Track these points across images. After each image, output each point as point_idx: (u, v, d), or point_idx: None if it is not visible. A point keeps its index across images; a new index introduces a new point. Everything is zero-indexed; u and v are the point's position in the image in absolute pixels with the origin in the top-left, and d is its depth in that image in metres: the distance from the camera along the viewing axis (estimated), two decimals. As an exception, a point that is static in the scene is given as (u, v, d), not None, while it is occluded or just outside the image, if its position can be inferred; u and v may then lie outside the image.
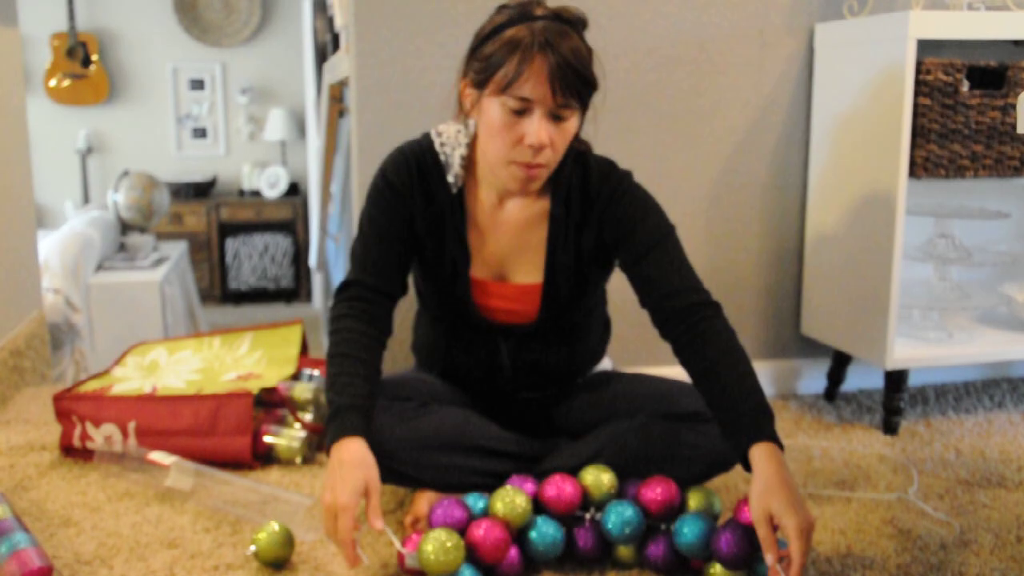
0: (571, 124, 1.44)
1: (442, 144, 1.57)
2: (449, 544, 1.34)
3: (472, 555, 1.38)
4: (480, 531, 1.38)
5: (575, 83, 1.38)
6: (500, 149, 1.44)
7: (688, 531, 1.39)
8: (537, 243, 1.59)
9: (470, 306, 1.63)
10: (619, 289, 2.24)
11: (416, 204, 1.57)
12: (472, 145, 1.57)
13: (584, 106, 1.45)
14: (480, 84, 1.44)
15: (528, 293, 1.62)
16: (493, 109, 1.42)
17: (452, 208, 1.57)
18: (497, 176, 1.50)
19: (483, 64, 1.42)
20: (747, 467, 1.35)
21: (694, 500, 1.50)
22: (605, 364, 1.86)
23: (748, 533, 1.34)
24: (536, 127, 1.40)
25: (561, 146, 1.45)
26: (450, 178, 1.56)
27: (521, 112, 1.40)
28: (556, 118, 1.41)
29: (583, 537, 1.46)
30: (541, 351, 1.68)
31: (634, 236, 1.53)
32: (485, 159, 1.51)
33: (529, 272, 1.61)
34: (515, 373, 1.69)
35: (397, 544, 1.39)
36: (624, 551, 1.47)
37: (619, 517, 1.43)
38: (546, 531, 1.43)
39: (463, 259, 1.60)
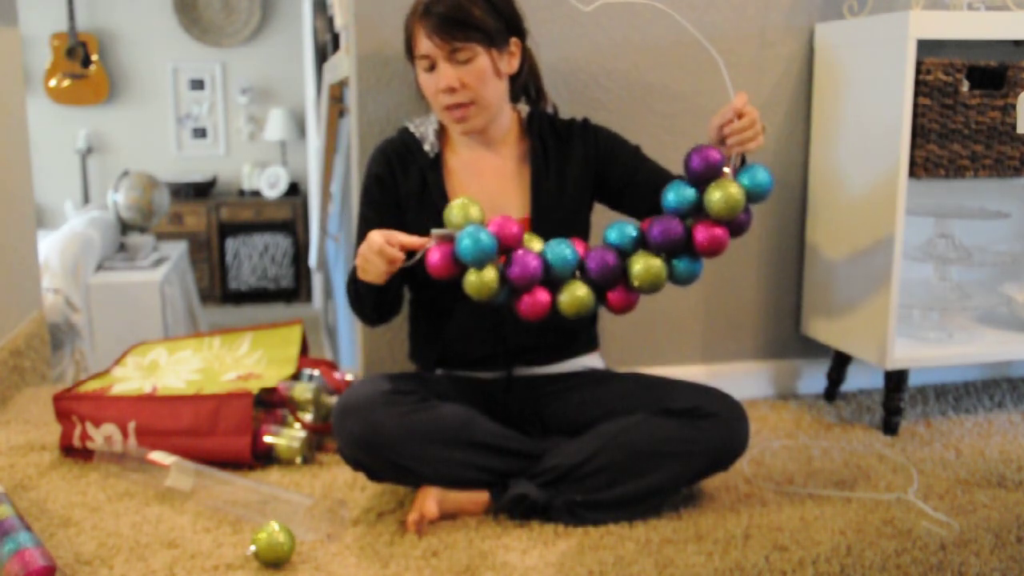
0: (480, 63, 1.63)
1: (416, 125, 1.79)
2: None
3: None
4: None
5: (452, 29, 1.59)
6: (432, 103, 1.68)
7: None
8: (522, 180, 1.75)
9: None
10: (619, 289, 2.24)
11: (400, 181, 1.74)
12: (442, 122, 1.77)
13: (490, 43, 1.63)
14: (408, 55, 1.69)
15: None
16: (418, 72, 1.68)
17: (434, 170, 1.74)
18: (448, 128, 1.74)
19: (404, 40, 1.69)
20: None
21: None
22: (597, 363, 1.87)
23: (707, 152, 1.45)
24: (440, 74, 1.63)
25: (475, 83, 1.63)
26: (426, 147, 1.75)
27: (431, 68, 1.64)
28: (459, 62, 1.61)
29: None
30: None
31: (622, 152, 1.77)
32: (440, 119, 1.72)
33: (518, 208, 1.73)
34: (513, 325, 1.72)
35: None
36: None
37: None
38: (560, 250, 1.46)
39: None
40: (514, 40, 1.70)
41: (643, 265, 1.47)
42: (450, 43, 1.60)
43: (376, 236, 1.50)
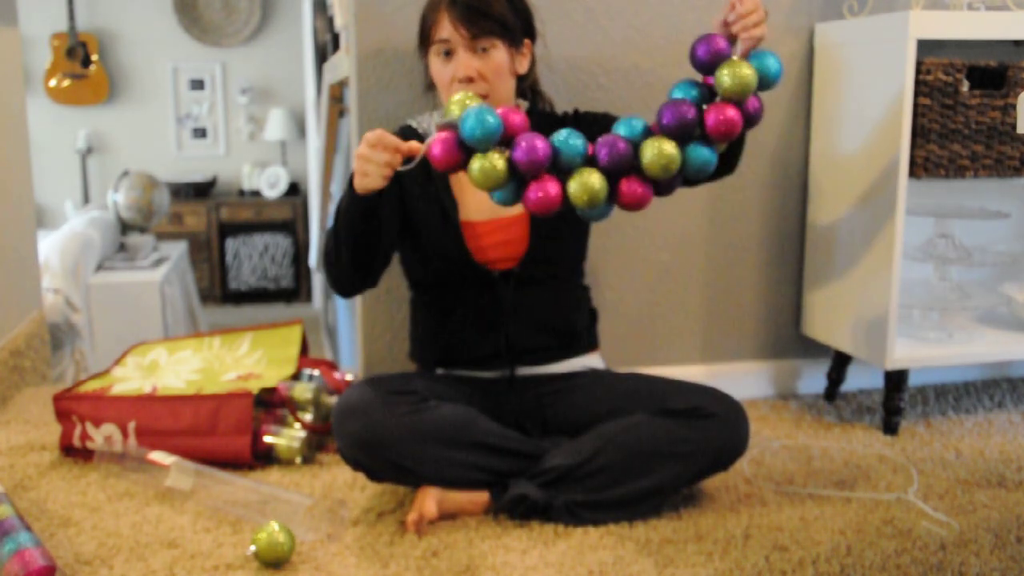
0: (497, 56, 1.64)
1: (418, 122, 1.80)
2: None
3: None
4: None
5: (477, 19, 1.61)
6: (445, 92, 1.68)
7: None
8: None
9: (464, 251, 1.71)
10: (617, 291, 2.25)
11: (403, 175, 1.68)
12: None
13: (509, 39, 1.65)
14: (423, 46, 1.70)
15: (516, 222, 1.72)
16: (433, 62, 1.69)
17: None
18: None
19: (420, 29, 1.70)
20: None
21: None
22: (597, 363, 1.87)
23: (713, 39, 1.40)
24: (459, 62, 1.63)
25: (492, 76, 1.64)
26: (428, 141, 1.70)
27: (448, 54, 1.65)
28: (479, 52, 1.63)
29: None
30: (537, 296, 1.75)
31: (605, 121, 1.75)
32: None
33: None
34: (515, 322, 1.72)
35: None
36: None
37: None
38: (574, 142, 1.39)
39: (452, 205, 1.72)
40: (527, 41, 1.73)
41: (654, 149, 1.37)
42: (474, 32, 1.62)
43: (371, 133, 1.45)
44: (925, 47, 2.06)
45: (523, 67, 1.73)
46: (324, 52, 4.21)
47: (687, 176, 1.42)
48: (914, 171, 1.98)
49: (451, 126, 1.38)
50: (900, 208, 1.97)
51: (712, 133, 1.39)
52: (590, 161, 1.39)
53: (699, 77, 1.47)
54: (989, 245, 2.40)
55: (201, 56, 6.08)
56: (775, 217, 2.31)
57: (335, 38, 3.45)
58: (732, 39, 1.44)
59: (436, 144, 1.38)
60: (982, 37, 1.96)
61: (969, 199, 2.39)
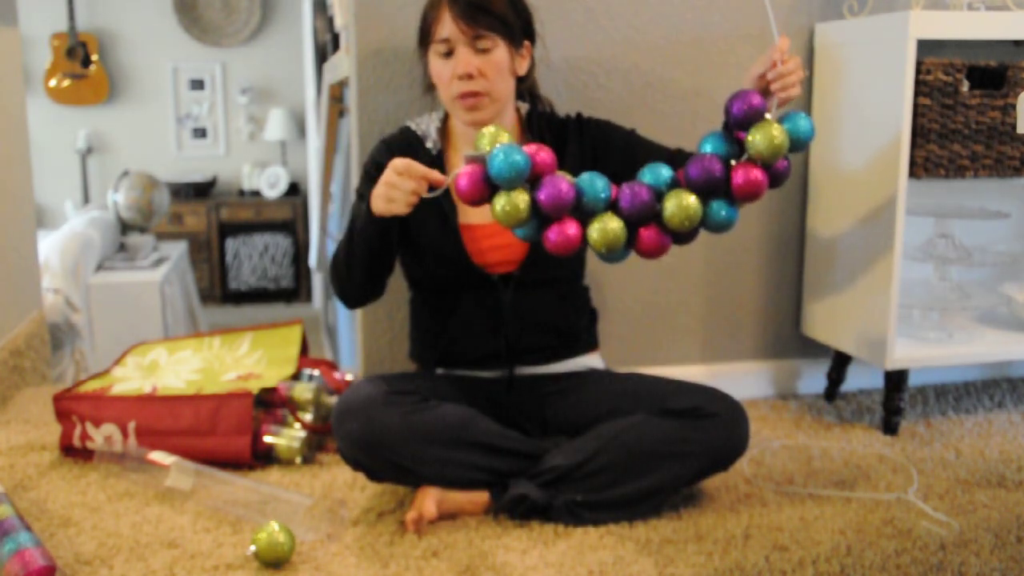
0: (498, 55, 1.64)
1: (417, 124, 1.80)
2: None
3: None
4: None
5: (478, 16, 1.61)
6: (445, 91, 1.67)
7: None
8: None
9: (463, 254, 1.70)
10: (617, 291, 2.25)
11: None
12: (445, 118, 1.79)
13: (510, 39, 1.65)
14: (423, 44, 1.70)
15: None
16: (432, 60, 1.68)
17: (434, 167, 1.71)
18: (456, 119, 1.73)
19: (420, 28, 1.70)
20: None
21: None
22: (597, 363, 1.87)
23: (749, 96, 1.39)
24: (459, 60, 1.63)
25: (492, 74, 1.64)
26: (428, 144, 1.76)
27: (449, 53, 1.64)
28: (479, 50, 1.63)
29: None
30: (537, 298, 1.75)
31: (615, 136, 1.79)
32: (448, 109, 1.72)
33: None
34: (515, 324, 1.73)
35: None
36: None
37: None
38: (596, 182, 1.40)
39: (451, 208, 1.72)
40: (527, 43, 1.73)
41: (676, 202, 1.38)
42: (475, 29, 1.61)
43: (399, 160, 1.46)
44: (925, 47, 2.06)
45: (522, 68, 1.73)
46: (324, 52, 4.21)
47: (708, 230, 1.43)
48: (914, 171, 1.98)
49: (479, 159, 1.39)
50: (900, 208, 1.97)
51: (738, 194, 1.40)
52: (612, 205, 1.40)
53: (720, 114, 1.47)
54: (989, 245, 2.40)
55: (201, 56, 6.08)
56: (775, 217, 2.31)
57: (335, 38, 3.45)
58: (766, 93, 1.46)
59: (463, 177, 1.39)
60: (982, 37, 1.96)
61: (969, 199, 2.39)
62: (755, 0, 2.20)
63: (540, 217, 1.40)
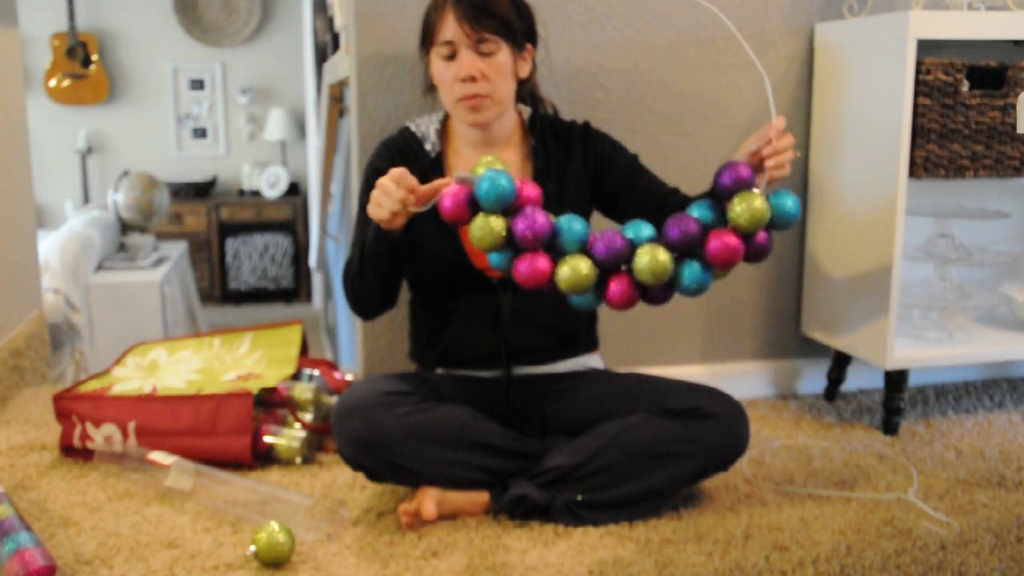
0: (501, 57, 1.64)
1: (417, 125, 1.80)
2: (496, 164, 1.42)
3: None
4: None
5: (482, 18, 1.61)
6: (447, 93, 1.67)
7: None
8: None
9: (463, 257, 1.70)
10: (619, 289, 2.24)
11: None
12: (444, 120, 1.79)
13: (512, 41, 1.65)
14: (425, 46, 1.70)
15: None
16: (435, 63, 1.67)
17: (435, 169, 1.73)
18: (457, 121, 1.73)
19: (422, 29, 1.69)
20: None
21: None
22: (597, 364, 1.87)
23: (738, 168, 1.43)
24: (461, 62, 1.62)
25: (495, 76, 1.64)
26: (427, 146, 1.76)
27: (452, 56, 1.63)
28: (482, 53, 1.62)
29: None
30: (536, 301, 1.72)
31: (620, 158, 1.79)
32: (449, 112, 1.72)
33: None
34: (514, 325, 1.72)
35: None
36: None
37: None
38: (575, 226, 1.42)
39: None
40: (529, 46, 1.73)
41: (650, 257, 1.40)
42: (479, 32, 1.61)
43: (397, 169, 1.47)
44: (925, 47, 2.06)
45: (525, 71, 1.73)
46: (324, 52, 4.22)
47: (680, 292, 1.44)
48: (914, 171, 1.98)
49: (467, 182, 1.42)
50: (900, 208, 1.97)
51: (712, 257, 1.41)
52: (586, 250, 1.43)
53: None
54: (989, 245, 2.40)
55: (201, 56, 6.09)
56: (775, 217, 2.31)
57: (335, 38, 3.45)
58: (757, 168, 1.48)
59: (447, 197, 1.43)
60: (982, 37, 1.96)
61: (969, 199, 2.39)
62: (755, 0, 2.20)
63: (515, 247, 1.43)
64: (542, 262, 1.42)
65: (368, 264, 1.61)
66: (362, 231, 1.68)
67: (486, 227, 1.41)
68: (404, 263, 1.65)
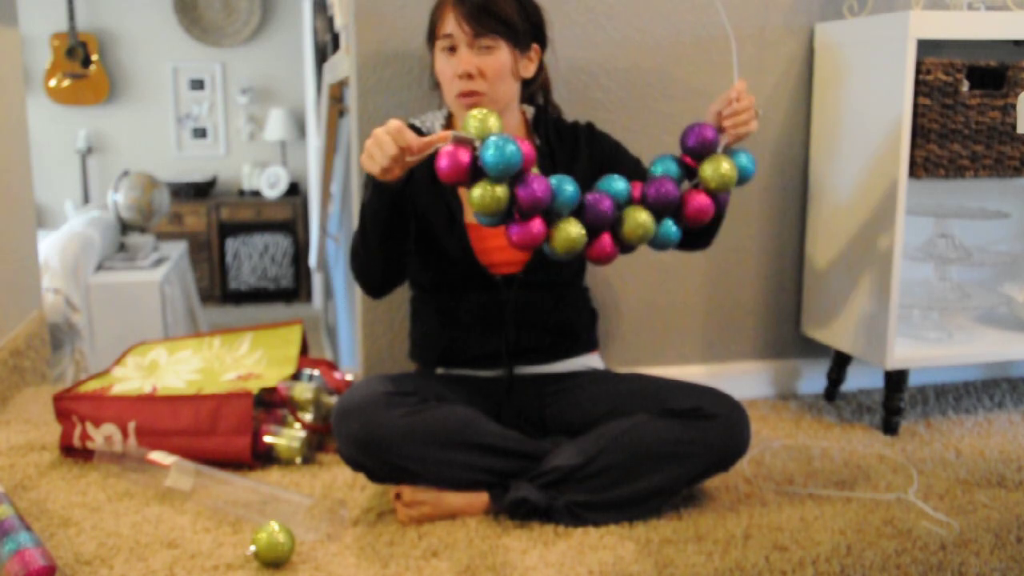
0: (499, 57, 1.65)
1: (421, 120, 1.81)
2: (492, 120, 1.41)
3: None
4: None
5: (482, 17, 1.63)
6: (448, 88, 1.69)
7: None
8: None
9: (468, 252, 1.71)
10: (617, 291, 2.25)
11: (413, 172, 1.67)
12: (449, 116, 1.80)
13: (514, 41, 1.67)
14: (429, 41, 1.72)
15: None
16: (437, 57, 1.70)
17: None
18: (458, 116, 1.74)
19: (428, 24, 1.72)
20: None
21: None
22: (597, 364, 1.87)
23: (703, 129, 1.53)
24: (459, 59, 1.65)
25: (493, 74, 1.65)
26: None
27: (452, 49, 1.66)
28: (481, 51, 1.64)
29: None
30: (539, 299, 1.75)
31: (623, 160, 1.80)
32: (450, 107, 1.75)
33: None
34: (515, 324, 1.73)
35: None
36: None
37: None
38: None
39: (457, 207, 1.73)
40: (535, 46, 1.73)
41: (634, 218, 1.48)
42: (476, 30, 1.63)
43: (394, 121, 1.43)
44: (925, 47, 2.06)
45: (528, 71, 1.73)
46: (324, 52, 4.22)
47: (653, 246, 1.53)
48: (914, 171, 1.98)
49: (465, 141, 1.38)
50: (900, 208, 1.97)
51: (688, 218, 1.53)
52: (575, 211, 1.46)
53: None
54: (989, 245, 2.40)
55: (201, 56, 6.09)
56: (775, 217, 2.31)
57: (335, 38, 3.45)
58: (721, 129, 1.56)
59: (444, 157, 1.38)
60: (982, 37, 1.96)
61: (969, 199, 2.39)
62: (755, 0, 2.20)
63: (516, 209, 1.42)
64: (537, 227, 1.42)
65: (371, 226, 1.58)
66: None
67: (490, 195, 1.38)
68: (407, 225, 1.61)
